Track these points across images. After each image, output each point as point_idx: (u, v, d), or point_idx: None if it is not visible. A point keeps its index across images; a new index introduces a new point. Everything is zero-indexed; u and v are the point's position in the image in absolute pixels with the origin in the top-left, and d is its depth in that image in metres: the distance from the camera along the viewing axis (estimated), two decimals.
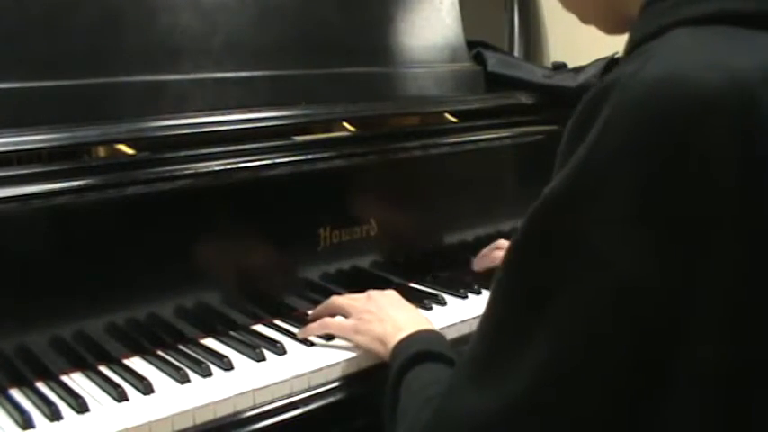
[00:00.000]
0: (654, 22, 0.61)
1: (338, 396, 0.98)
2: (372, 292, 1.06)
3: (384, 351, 0.95)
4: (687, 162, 0.53)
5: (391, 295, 1.06)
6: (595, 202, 0.56)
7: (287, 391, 0.95)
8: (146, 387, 0.90)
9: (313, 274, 1.15)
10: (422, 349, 0.88)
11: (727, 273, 0.54)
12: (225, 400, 0.90)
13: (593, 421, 0.57)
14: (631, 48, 0.63)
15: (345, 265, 1.18)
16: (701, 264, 0.54)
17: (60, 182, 0.91)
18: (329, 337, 1.04)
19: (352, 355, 1.01)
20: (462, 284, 1.25)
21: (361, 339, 1.00)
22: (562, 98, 1.44)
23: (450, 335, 1.10)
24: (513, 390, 0.59)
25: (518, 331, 0.60)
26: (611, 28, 0.73)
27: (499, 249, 1.26)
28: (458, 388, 0.65)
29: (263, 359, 0.99)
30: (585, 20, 0.75)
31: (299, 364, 0.98)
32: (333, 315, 1.06)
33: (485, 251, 1.28)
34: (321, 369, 0.98)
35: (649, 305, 0.55)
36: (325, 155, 1.14)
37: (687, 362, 0.55)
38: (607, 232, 0.55)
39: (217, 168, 1.03)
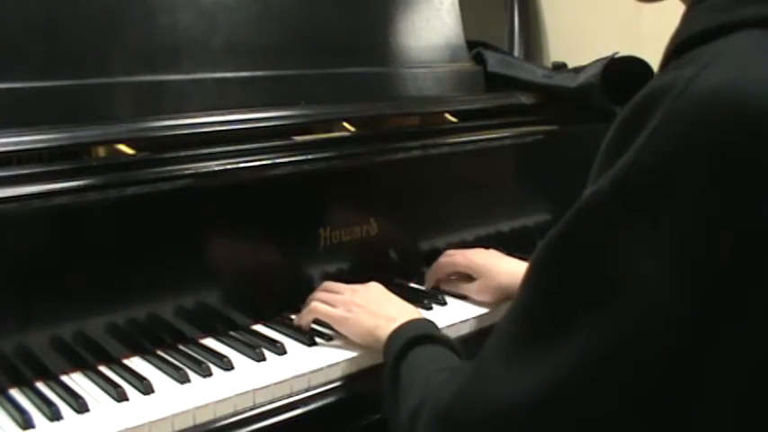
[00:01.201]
0: (711, 19, 0.56)
1: (338, 396, 0.98)
2: (357, 286, 1.07)
3: (376, 343, 0.96)
4: (742, 179, 0.50)
5: (377, 288, 1.07)
6: (639, 211, 0.53)
7: (287, 391, 0.95)
8: (146, 387, 0.90)
9: (313, 274, 1.15)
10: (418, 334, 0.89)
11: None
12: (225, 400, 0.90)
13: (618, 421, 0.56)
14: (680, 45, 0.58)
15: (345, 265, 1.18)
16: (748, 279, 0.51)
17: (60, 182, 0.91)
18: (329, 337, 1.04)
19: (353, 354, 1.01)
20: None
21: (350, 331, 1.01)
22: (562, 98, 1.44)
23: (451, 335, 1.10)
24: (542, 381, 0.58)
25: (553, 326, 0.58)
26: None
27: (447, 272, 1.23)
28: (485, 372, 0.64)
29: (263, 359, 0.99)
30: None
31: (299, 364, 0.98)
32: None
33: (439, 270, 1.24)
34: (321, 369, 0.98)
35: (686, 317, 0.53)
36: (326, 155, 1.14)
37: (717, 372, 0.54)
38: (648, 243, 0.53)
39: (217, 168, 1.03)
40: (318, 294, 1.08)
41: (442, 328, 1.09)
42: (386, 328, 0.95)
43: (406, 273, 1.26)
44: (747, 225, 0.51)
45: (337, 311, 1.03)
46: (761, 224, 0.51)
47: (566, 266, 0.58)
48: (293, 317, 1.10)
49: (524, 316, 0.62)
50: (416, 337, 0.88)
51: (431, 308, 1.16)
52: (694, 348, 0.53)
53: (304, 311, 1.07)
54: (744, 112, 0.50)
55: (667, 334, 0.54)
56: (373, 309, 1.01)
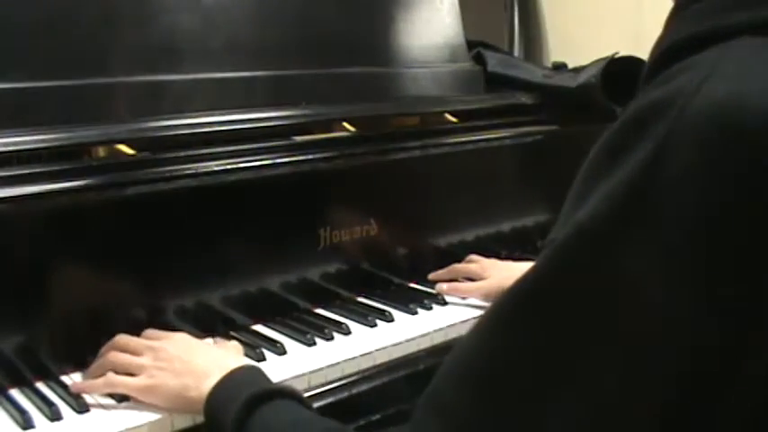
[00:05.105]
0: (701, 23, 0.52)
1: (338, 396, 0.98)
2: (155, 344, 0.92)
3: (188, 407, 0.85)
4: (758, 195, 0.46)
5: (179, 341, 0.94)
6: (647, 231, 0.48)
7: None
8: None
9: (313, 274, 1.15)
10: (253, 392, 0.77)
11: None
12: None
13: None
14: (668, 50, 0.54)
15: (345, 265, 1.18)
16: (759, 307, 0.47)
17: (60, 182, 0.91)
18: (329, 338, 1.04)
19: (353, 355, 1.01)
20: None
21: (158, 400, 0.87)
22: (562, 98, 1.44)
23: (450, 335, 1.10)
24: None
25: (532, 389, 0.50)
26: None
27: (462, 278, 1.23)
28: None
29: (263, 359, 0.98)
30: None
31: (299, 364, 0.98)
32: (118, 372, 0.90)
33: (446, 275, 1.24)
34: (321, 369, 0.98)
35: (700, 353, 0.48)
36: (326, 155, 1.14)
37: (726, 412, 0.49)
38: (657, 267, 0.47)
39: (217, 168, 1.03)
40: (112, 357, 0.91)
41: (442, 328, 1.09)
42: (199, 388, 0.84)
43: (407, 273, 1.26)
44: (759, 250, 0.47)
45: (138, 381, 0.88)
46: None
47: (556, 304, 0.51)
48: (293, 317, 1.11)
49: (490, 373, 0.53)
50: (254, 397, 0.77)
51: (431, 308, 1.16)
52: (715, 378, 0.48)
53: (95, 381, 0.90)
54: (756, 125, 0.46)
55: (684, 367, 0.48)
56: (178, 367, 0.87)
